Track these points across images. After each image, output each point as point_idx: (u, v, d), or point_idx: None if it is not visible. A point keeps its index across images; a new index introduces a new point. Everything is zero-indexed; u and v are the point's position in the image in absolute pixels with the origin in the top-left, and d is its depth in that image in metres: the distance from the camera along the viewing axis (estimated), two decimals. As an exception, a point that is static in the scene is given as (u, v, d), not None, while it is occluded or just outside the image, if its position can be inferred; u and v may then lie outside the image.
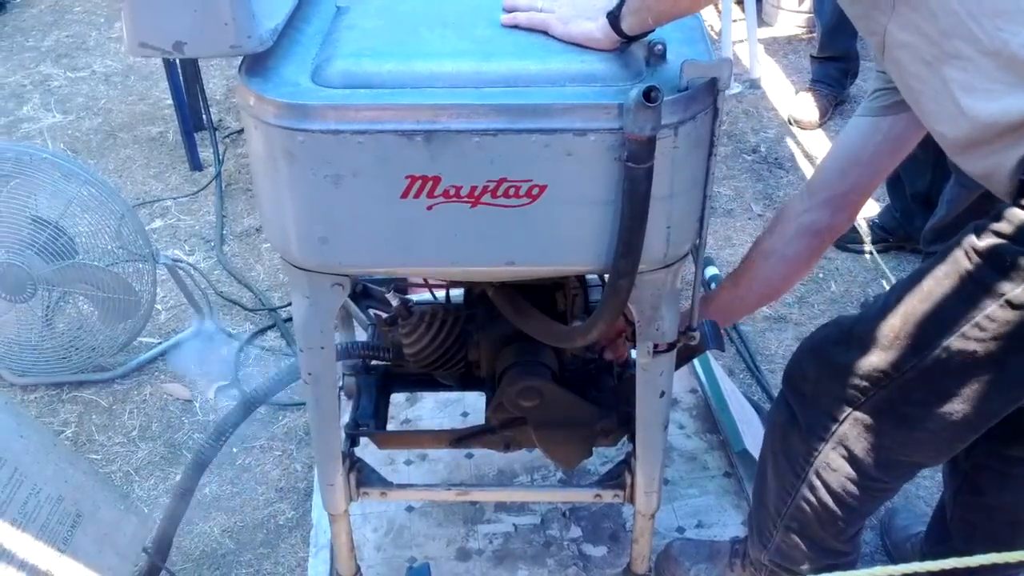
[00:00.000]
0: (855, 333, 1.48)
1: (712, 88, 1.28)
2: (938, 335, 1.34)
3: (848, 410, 1.49)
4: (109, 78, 4.30)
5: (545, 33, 1.37)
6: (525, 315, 1.57)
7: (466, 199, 1.29)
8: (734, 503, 2.14)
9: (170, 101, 3.63)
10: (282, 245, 1.41)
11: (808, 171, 3.33)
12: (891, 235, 2.94)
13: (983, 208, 1.43)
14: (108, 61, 4.45)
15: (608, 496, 1.79)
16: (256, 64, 1.33)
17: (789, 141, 3.51)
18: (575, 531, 2.09)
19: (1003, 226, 1.26)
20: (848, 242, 2.95)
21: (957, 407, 1.38)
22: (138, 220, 2.56)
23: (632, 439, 1.71)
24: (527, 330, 1.56)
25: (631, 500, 1.77)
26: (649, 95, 1.18)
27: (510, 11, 1.40)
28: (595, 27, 1.31)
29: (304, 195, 1.31)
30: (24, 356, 2.61)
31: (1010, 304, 1.27)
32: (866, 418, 1.47)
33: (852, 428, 1.49)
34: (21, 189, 2.41)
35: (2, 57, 4.55)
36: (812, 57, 3.72)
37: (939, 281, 1.34)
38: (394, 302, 1.75)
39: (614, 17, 1.29)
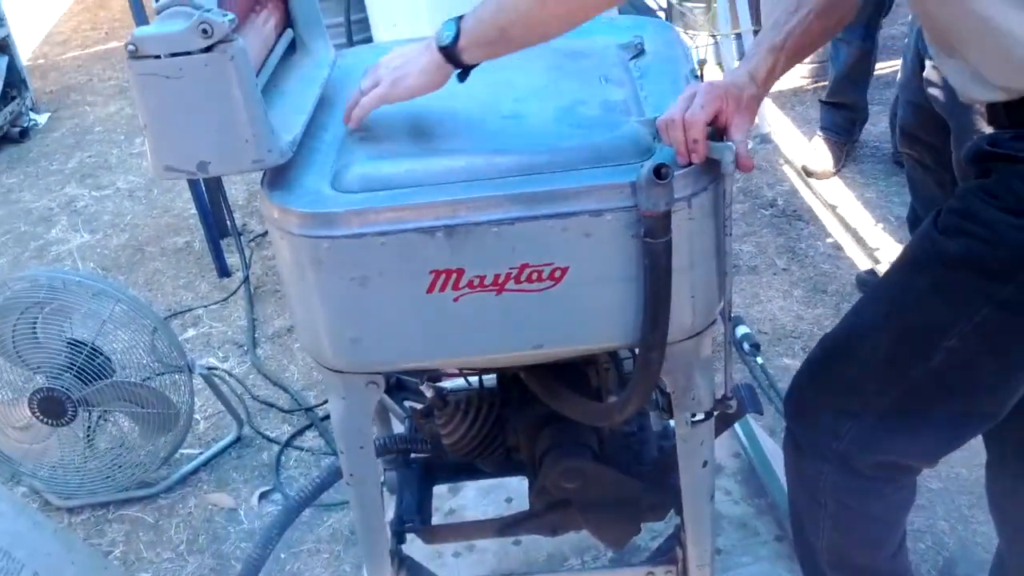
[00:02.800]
0: (850, 348, 1.49)
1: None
2: (938, 339, 1.35)
3: (849, 424, 1.48)
4: (133, 193, 4.40)
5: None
6: (559, 396, 1.58)
7: (491, 288, 1.31)
8: (788, 567, 2.10)
9: (194, 211, 3.70)
10: (315, 349, 1.43)
11: (827, 221, 3.34)
12: None
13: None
14: (131, 177, 4.56)
15: (661, 573, 1.77)
16: (277, 176, 1.37)
17: (805, 192, 3.53)
18: (631, 609, 2.06)
19: (974, 227, 1.27)
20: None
21: (967, 401, 1.39)
22: (171, 332, 2.59)
23: (680, 512, 1.69)
24: (563, 411, 1.57)
25: (685, 575, 1.74)
26: (660, 172, 1.20)
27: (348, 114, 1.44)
28: (425, 68, 1.36)
29: (333, 299, 1.33)
30: (68, 479, 2.63)
31: (1003, 305, 1.28)
32: (869, 428, 1.47)
33: (855, 440, 1.48)
34: (56, 314, 2.46)
35: (28, 183, 4.67)
36: (822, 102, 3.73)
37: (925, 293, 1.36)
38: (428, 393, 1.76)
39: (450, 51, 1.33)
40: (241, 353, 3.19)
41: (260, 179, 1.40)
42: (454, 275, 1.30)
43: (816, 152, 3.63)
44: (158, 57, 1.25)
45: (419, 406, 1.86)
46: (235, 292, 3.48)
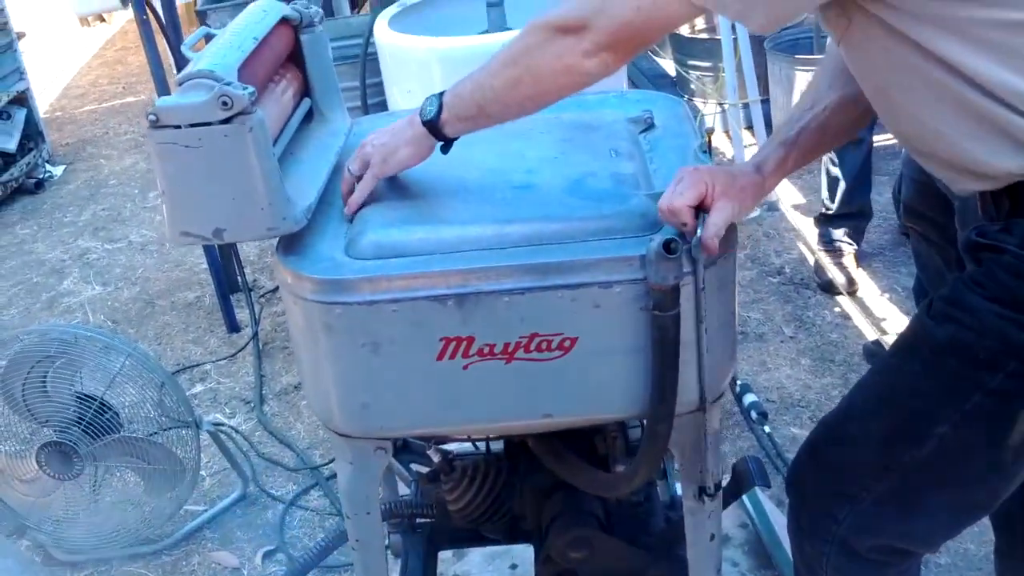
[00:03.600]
0: (847, 431, 1.48)
1: (731, 233, 1.32)
2: (930, 426, 1.35)
3: (847, 507, 1.47)
4: (145, 247, 4.43)
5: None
6: (567, 464, 1.58)
7: (500, 356, 1.32)
8: (796, 639, 2.07)
9: (205, 266, 3.73)
10: (324, 413, 1.44)
11: (836, 292, 3.33)
12: None
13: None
14: (144, 231, 4.60)
15: (666, 643, 1.75)
16: (292, 242, 1.39)
17: (813, 261, 3.54)
18: None
19: (962, 315, 1.28)
20: (883, 358, 2.94)
21: (960, 490, 1.38)
22: (179, 388, 2.60)
23: (685, 582, 1.68)
24: (570, 480, 1.57)
25: (690, 645, 1.73)
26: (669, 247, 1.22)
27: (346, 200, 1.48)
28: (411, 142, 1.42)
29: (344, 364, 1.35)
30: (73, 533, 2.62)
31: (993, 393, 1.28)
32: (866, 513, 1.45)
33: (853, 525, 1.47)
34: (66, 368, 2.47)
35: (42, 234, 4.72)
36: (825, 217, 3.46)
37: (917, 378, 1.36)
38: (435, 458, 1.76)
39: (433, 125, 1.38)
40: (248, 409, 3.19)
41: (275, 243, 1.42)
42: (464, 343, 1.32)
43: (832, 269, 3.37)
44: (178, 127, 1.28)
45: (425, 469, 1.87)
46: (243, 348, 3.50)
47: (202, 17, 4.23)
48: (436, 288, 1.29)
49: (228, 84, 1.27)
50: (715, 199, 1.30)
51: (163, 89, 3.27)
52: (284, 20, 1.58)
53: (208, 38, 1.52)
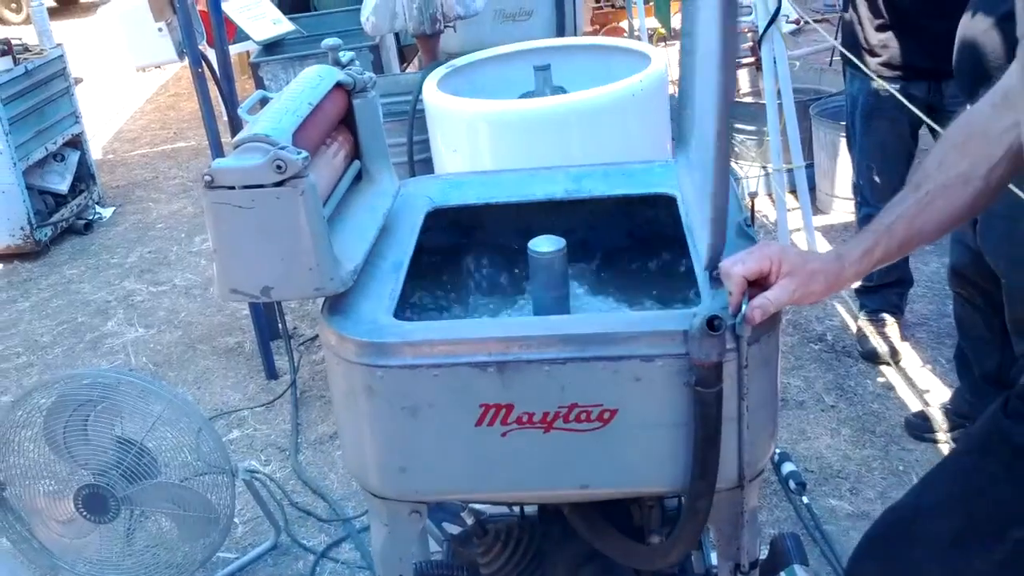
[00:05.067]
0: (916, 530, 1.45)
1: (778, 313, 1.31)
2: (1005, 529, 1.32)
3: None
4: (189, 291, 4.50)
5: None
6: (602, 535, 1.56)
7: (539, 425, 1.32)
8: None
9: (247, 312, 3.78)
10: (360, 474, 1.44)
11: (878, 362, 3.30)
12: (967, 420, 2.87)
13: None
14: (188, 275, 4.67)
15: None
16: (337, 302, 1.41)
17: (855, 328, 3.51)
18: None
19: None
20: (924, 431, 2.89)
21: None
22: (216, 435, 2.62)
23: (718, 659, 1.65)
24: (604, 550, 1.55)
25: None
26: (712, 324, 1.22)
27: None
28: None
29: (383, 427, 1.35)
30: (106, 574, 2.63)
31: None
32: None
33: None
34: (107, 412, 2.50)
35: (89, 275, 4.81)
36: (865, 288, 3.41)
37: (994, 479, 1.33)
38: (469, 520, 1.75)
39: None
40: (283, 457, 3.21)
41: (320, 304, 1.44)
42: (504, 410, 1.32)
43: (874, 338, 3.33)
44: (232, 188, 1.31)
45: (457, 529, 1.86)
46: (281, 395, 3.52)
47: (255, 69, 4.33)
48: (477, 355, 1.30)
49: (283, 148, 1.30)
50: (779, 276, 1.27)
51: (214, 139, 3.35)
52: (338, 85, 1.61)
53: (264, 101, 1.55)
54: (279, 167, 1.29)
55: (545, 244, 1.54)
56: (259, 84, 4.35)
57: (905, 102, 2.89)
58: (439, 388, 1.31)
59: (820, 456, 2.87)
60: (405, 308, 1.49)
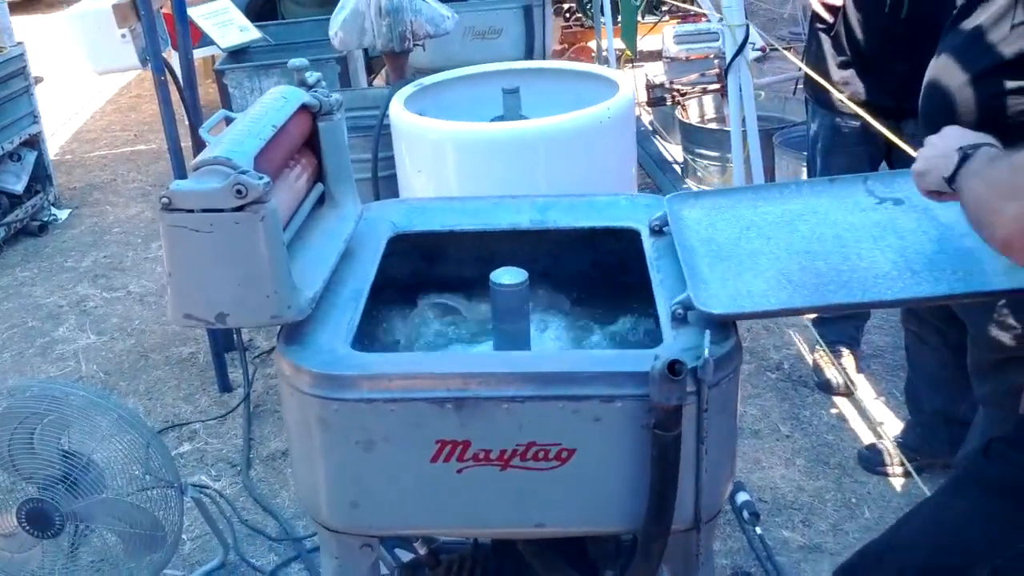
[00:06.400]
0: (885, 562, 1.46)
1: (736, 352, 1.31)
2: (970, 566, 1.33)
3: None
4: (144, 298, 4.42)
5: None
6: (555, 569, 1.55)
7: (496, 462, 1.31)
8: None
9: (203, 323, 3.71)
10: (312, 506, 1.42)
11: (833, 393, 3.31)
12: (918, 453, 2.89)
13: None
14: (144, 281, 4.59)
15: None
16: (294, 331, 1.38)
17: (812, 360, 3.53)
18: None
19: (1020, 457, 1.27)
20: (875, 464, 2.90)
21: None
22: (165, 449, 2.57)
23: None
24: (557, 586, 1.54)
25: None
26: (673, 368, 1.21)
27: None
28: None
29: (336, 460, 1.33)
30: (46, 592, 2.57)
31: None
32: None
33: None
34: (54, 425, 2.44)
35: (42, 278, 4.71)
36: (821, 319, 3.40)
37: (964, 516, 1.34)
38: (421, 550, 1.73)
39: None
40: (234, 473, 3.15)
41: (277, 331, 1.41)
42: (460, 447, 1.30)
43: (830, 370, 3.33)
44: (191, 211, 1.28)
45: (409, 556, 1.84)
46: (234, 409, 3.46)
47: (220, 76, 4.28)
48: (435, 390, 1.28)
49: (244, 173, 1.27)
50: None
51: (175, 147, 3.30)
52: (303, 106, 1.59)
53: (228, 120, 1.53)
54: (239, 192, 1.27)
55: (507, 276, 1.53)
56: (223, 91, 4.30)
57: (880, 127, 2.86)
58: (395, 423, 1.29)
59: (774, 486, 2.88)
60: (364, 336, 1.47)
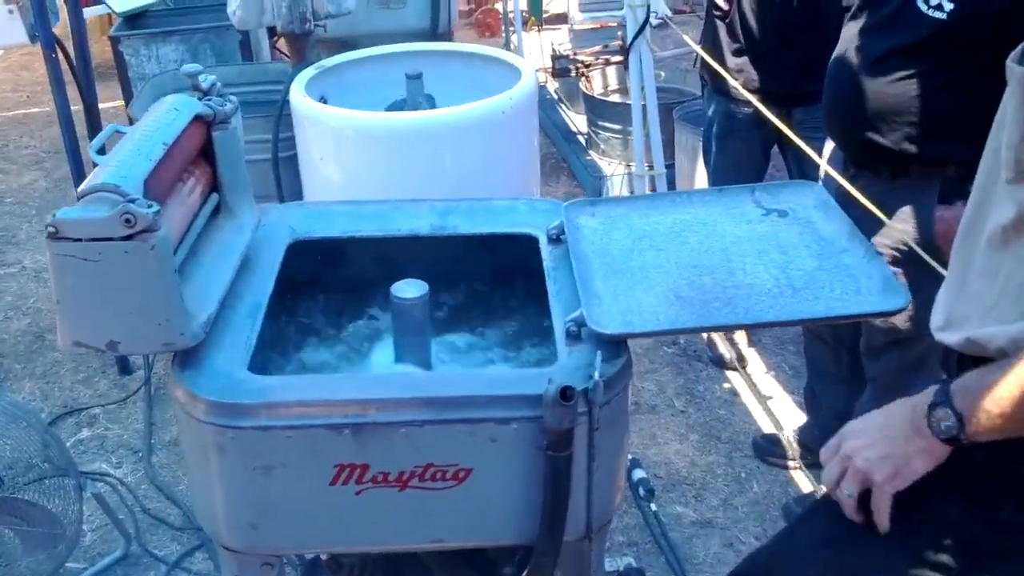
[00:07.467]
0: (778, 571, 1.51)
1: (627, 369, 1.36)
2: None
3: None
4: (39, 274, 4.27)
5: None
6: (455, 571, 1.59)
7: (394, 484, 1.33)
8: None
9: (100, 302, 3.63)
10: (210, 526, 1.42)
11: (726, 367, 3.42)
12: (811, 452, 2.96)
13: None
14: (39, 256, 4.43)
15: None
16: (188, 356, 1.38)
17: (706, 335, 3.63)
18: None
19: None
20: (769, 455, 2.99)
21: None
22: (61, 442, 2.53)
23: None
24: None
25: None
26: (565, 394, 1.25)
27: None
28: (924, 452, 1.26)
29: (234, 485, 1.34)
30: (-60, 590, 2.52)
31: (937, 567, 1.30)
32: None
33: None
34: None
35: (-72, 253, 4.53)
36: None
37: (859, 532, 1.35)
38: (323, 556, 1.75)
39: (956, 439, 1.23)
40: (135, 459, 3.11)
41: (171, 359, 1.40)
42: (358, 470, 1.32)
43: (722, 345, 3.45)
44: (79, 240, 1.26)
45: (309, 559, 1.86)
46: (135, 393, 3.41)
47: (115, 43, 4.13)
48: (333, 417, 1.30)
49: (132, 201, 1.25)
50: None
51: (68, 125, 3.19)
52: (197, 116, 1.56)
53: (118, 134, 1.49)
54: (128, 221, 1.25)
55: (408, 289, 1.55)
56: (119, 59, 4.15)
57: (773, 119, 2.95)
58: (293, 449, 1.30)
59: (669, 462, 2.98)
60: (262, 350, 1.46)
